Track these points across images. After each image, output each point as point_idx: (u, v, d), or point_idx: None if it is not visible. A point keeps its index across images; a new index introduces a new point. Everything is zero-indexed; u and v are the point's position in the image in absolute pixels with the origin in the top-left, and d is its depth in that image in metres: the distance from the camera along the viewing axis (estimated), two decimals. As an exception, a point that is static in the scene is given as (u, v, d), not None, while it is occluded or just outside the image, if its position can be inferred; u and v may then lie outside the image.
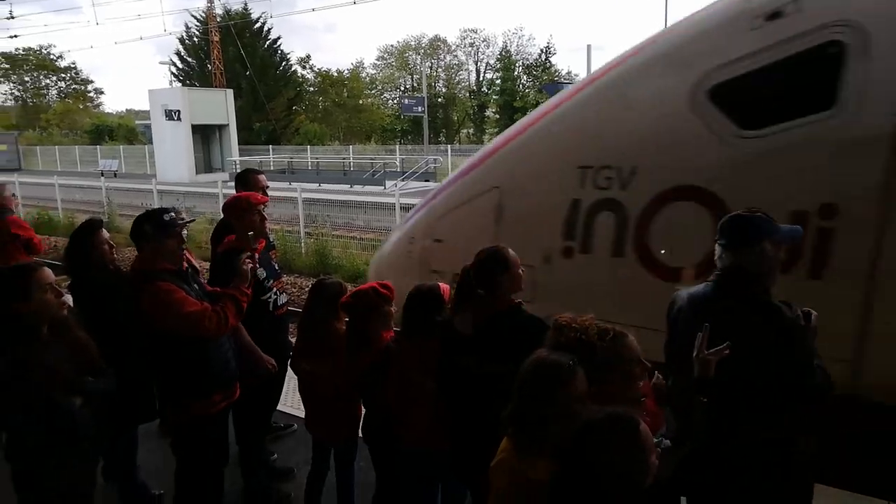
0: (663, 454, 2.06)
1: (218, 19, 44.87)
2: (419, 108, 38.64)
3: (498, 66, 62.12)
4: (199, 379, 3.40)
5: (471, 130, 64.42)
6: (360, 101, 61.66)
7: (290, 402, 5.26)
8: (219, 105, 33.74)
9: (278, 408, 4.87)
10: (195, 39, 49.35)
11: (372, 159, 34.18)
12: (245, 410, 4.22)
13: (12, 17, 38.05)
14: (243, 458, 4.29)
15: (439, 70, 65.19)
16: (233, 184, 5.21)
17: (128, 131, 57.05)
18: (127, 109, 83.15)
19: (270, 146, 41.60)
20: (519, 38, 76.12)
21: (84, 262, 3.86)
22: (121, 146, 46.44)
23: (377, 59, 70.40)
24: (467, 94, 65.19)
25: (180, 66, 51.01)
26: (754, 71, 3.35)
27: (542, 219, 3.90)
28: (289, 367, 4.13)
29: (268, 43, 51.05)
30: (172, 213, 3.43)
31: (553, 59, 60.57)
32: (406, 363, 3.17)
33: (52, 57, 70.13)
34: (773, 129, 3.27)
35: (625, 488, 1.86)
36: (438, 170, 27.98)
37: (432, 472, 3.29)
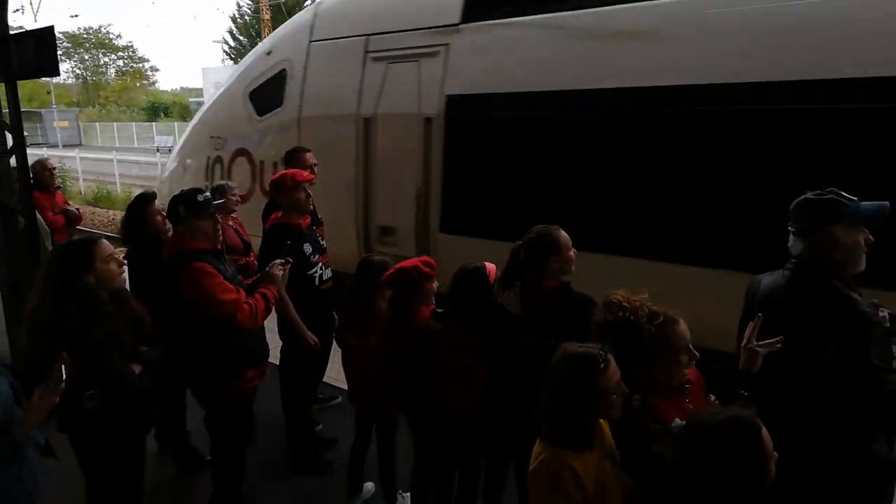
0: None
1: (269, -2, 45.29)
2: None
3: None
4: (233, 356, 3.42)
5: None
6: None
7: (336, 374, 5.36)
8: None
9: (324, 380, 4.97)
10: (247, 18, 49.94)
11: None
12: (291, 382, 4.33)
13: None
14: (289, 427, 4.41)
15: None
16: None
17: (182, 108, 58.32)
18: (181, 87, 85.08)
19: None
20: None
21: (138, 232, 4.01)
22: (175, 123, 47.51)
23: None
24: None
25: (232, 44, 51.80)
26: (262, 84, 6.88)
27: (200, 165, 7.47)
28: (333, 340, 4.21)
29: (318, 21, 51.22)
30: (207, 194, 3.45)
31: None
32: (450, 341, 3.19)
33: (110, 36, 72.26)
34: (266, 117, 6.77)
35: (744, 497, 1.73)
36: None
37: (472, 449, 3.32)
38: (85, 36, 70.68)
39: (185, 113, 57.02)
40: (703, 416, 1.86)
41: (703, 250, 4.02)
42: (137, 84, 73.54)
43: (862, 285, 2.48)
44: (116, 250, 3.05)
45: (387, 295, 3.58)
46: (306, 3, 49.33)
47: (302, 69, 6.46)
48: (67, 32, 67.36)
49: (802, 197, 2.53)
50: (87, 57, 73.74)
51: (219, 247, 3.46)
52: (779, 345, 2.30)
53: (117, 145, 40.18)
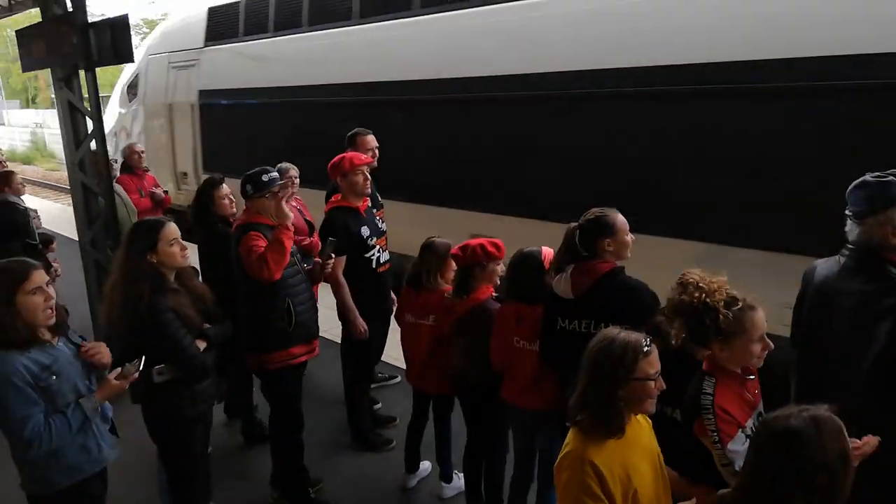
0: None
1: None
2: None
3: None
4: (282, 329, 3.53)
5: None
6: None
7: (396, 354, 5.45)
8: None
9: (384, 359, 5.07)
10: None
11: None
12: (351, 361, 4.44)
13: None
14: (349, 404, 4.53)
15: None
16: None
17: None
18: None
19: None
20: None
21: (206, 215, 4.17)
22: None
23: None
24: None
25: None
26: (131, 81, 11.35)
27: (111, 134, 10.64)
28: (392, 321, 4.28)
29: None
30: (273, 174, 3.57)
31: None
32: (506, 324, 3.21)
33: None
34: (132, 103, 11.21)
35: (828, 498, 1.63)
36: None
37: (530, 430, 3.33)
38: (162, 20, 72.97)
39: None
40: (782, 417, 1.70)
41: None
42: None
43: None
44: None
45: (448, 275, 3.65)
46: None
47: (145, 73, 10.82)
48: (147, 18, 69.81)
49: (861, 179, 2.41)
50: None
51: (288, 226, 3.53)
52: None
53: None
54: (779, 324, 2.66)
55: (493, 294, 3.44)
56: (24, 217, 5.71)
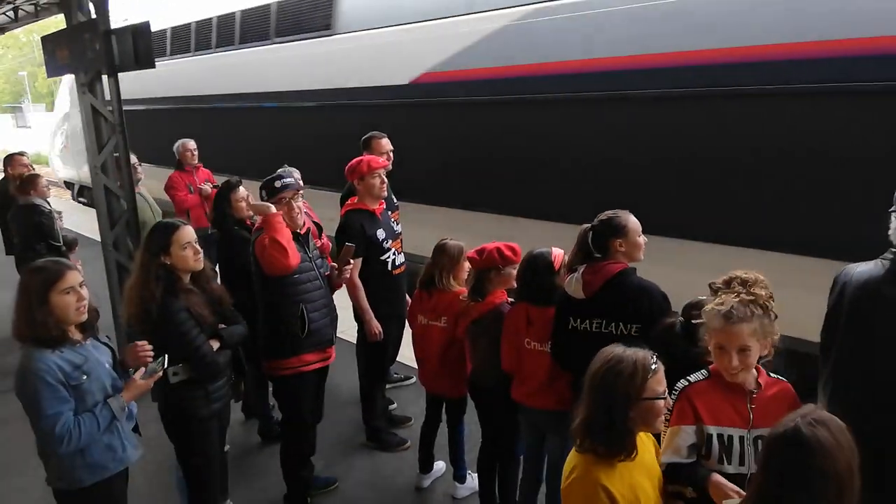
0: None
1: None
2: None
3: None
4: (294, 337, 3.53)
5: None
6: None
7: (412, 354, 5.48)
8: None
9: (400, 360, 5.11)
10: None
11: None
12: (366, 361, 4.49)
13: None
14: (364, 404, 4.57)
15: None
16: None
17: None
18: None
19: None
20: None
21: (223, 217, 4.25)
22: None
23: None
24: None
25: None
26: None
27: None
28: (406, 323, 4.32)
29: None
30: (287, 180, 3.57)
31: None
32: (517, 325, 3.23)
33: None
34: (72, 107, 12.92)
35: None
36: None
37: (540, 431, 3.35)
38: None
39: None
40: (793, 424, 1.60)
41: None
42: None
43: None
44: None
45: (460, 276, 3.68)
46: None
47: (72, 81, 11.77)
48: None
49: None
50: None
51: (301, 231, 3.59)
52: None
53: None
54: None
55: (508, 299, 3.46)
56: (49, 219, 5.85)
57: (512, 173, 5.82)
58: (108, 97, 5.52)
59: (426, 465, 4.05)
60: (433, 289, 3.75)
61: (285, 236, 3.39)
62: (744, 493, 1.93)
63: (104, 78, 5.45)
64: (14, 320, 2.53)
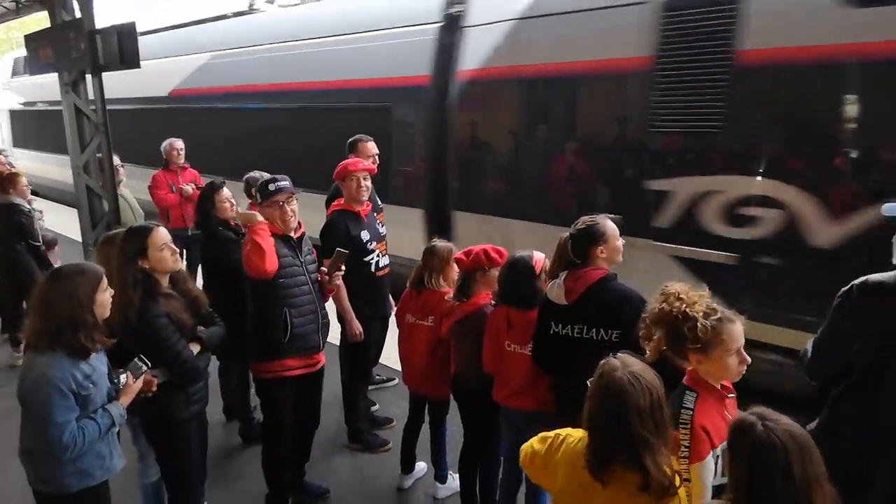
0: None
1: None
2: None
3: None
4: (277, 341, 3.51)
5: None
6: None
7: (394, 356, 5.51)
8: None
9: (383, 362, 5.13)
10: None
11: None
12: (348, 362, 4.51)
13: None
14: (347, 405, 4.59)
15: None
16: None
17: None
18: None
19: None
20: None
21: (207, 218, 4.26)
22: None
23: None
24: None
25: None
26: None
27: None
28: (391, 323, 4.34)
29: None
30: (281, 184, 3.51)
31: None
32: (498, 328, 3.27)
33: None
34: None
35: None
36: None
37: (520, 432, 3.39)
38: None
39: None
40: (762, 431, 1.64)
41: None
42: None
43: None
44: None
45: (450, 277, 3.72)
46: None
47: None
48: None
49: None
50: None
51: (293, 235, 3.57)
52: None
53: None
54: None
55: (492, 301, 3.50)
56: (28, 219, 5.80)
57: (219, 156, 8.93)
58: (91, 97, 5.50)
59: (408, 465, 4.08)
60: (422, 288, 3.79)
61: (267, 242, 3.38)
62: None
63: (88, 77, 5.44)
64: (37, 329, 2.51)
